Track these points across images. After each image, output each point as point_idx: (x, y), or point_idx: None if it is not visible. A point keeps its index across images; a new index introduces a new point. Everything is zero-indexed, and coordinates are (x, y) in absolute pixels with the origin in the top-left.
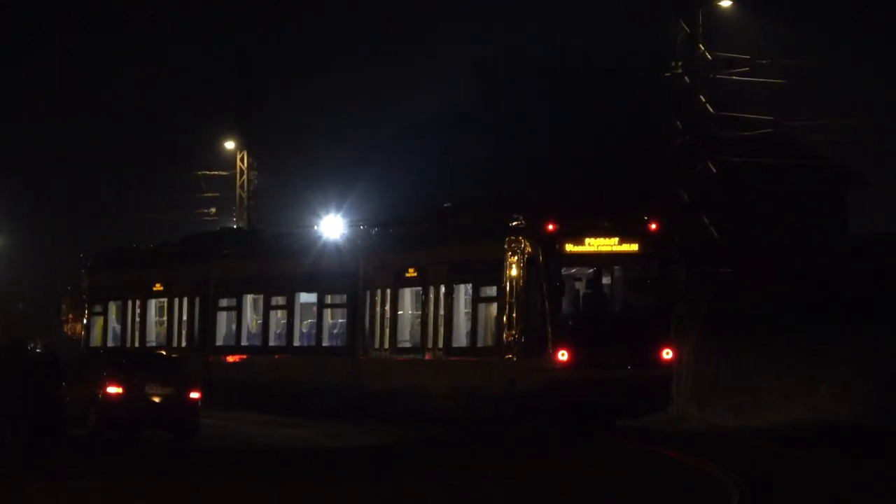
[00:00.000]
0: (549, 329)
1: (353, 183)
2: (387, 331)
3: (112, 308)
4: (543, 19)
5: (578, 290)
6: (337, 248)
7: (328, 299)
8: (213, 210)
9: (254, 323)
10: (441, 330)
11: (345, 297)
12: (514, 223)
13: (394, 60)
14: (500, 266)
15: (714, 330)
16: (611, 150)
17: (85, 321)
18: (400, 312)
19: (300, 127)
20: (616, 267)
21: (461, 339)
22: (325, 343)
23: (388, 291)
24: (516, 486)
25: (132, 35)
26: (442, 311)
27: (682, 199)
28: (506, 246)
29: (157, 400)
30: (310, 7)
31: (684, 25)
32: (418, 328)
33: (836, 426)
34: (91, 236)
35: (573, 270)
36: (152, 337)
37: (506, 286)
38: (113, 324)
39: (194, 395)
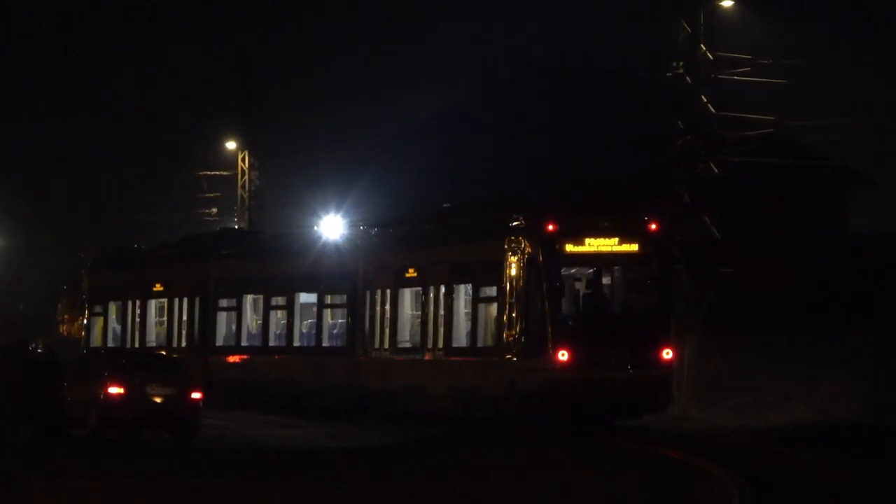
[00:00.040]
0: (549, 329)
1: (352, 183)
2: (387, 331)
3: (112, 308)
4: (544, 19)
5: (578, 291)
6: (337, 248)
7: (328, 299)
8: (215, 210)
9: (254, 323)
10: (441, 330)
11: (344, 297)
12: (514, 223)
13: (394, 60)
14: (500, 266)
15: (715, 330)
16: (611, 150)
17: (85, 321)
18: (400, 313)
19: (300, 127)
20: (616, 267)
21: (461, 339)
22: (325, 343)
23: (388, 291)
24: (516, 486)
25: (132, 35)
26: (442, 312)
27: (683, 199)
28: (506, 246)
29: (158, 400)
30: (310, 7)
31: (686, 25)
32: (418, 328)
33: (837, 426)
34: (91, 236)
35: (573, 270)
36: (152, 337)
37: (506, 286)
38: (113, 324)
39: (196, 395)
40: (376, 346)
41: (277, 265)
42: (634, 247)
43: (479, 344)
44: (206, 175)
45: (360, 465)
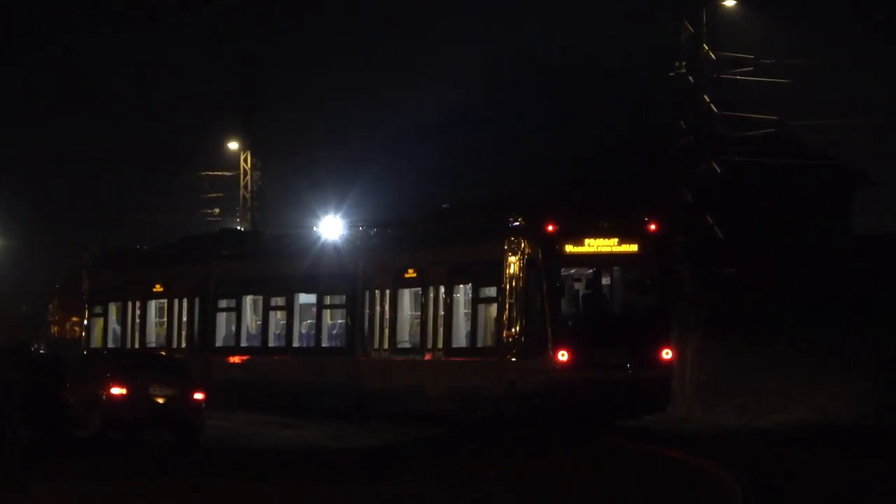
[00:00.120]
0: (549, 329)
1: (352, 183)
2: (386, 331)
3: (112, 309)
4: (544, 19)
5: (578, 291)
6: (336, 248)
7: (327, 300)
8: (217, 211)
9: (253, 324)
10: (441, 330)
11: (344, 297)
12: (514, 224)
13: (394, 60)
14: (500, 267)
15: (717, 330)
16: (611, 150)
17: (85, 322)
18: (399, 313)
19: (300, 127)
20: (616, 267)
21: (461, 339)
22: (325, 344)
23: (388, 292)
24: (516, 486)
25: (132, 35)
26: (441, 312)
27: (685, 199)
28: (505, 246)
29: (160, 401)
30: (310, 7)
31: (688, 25)
32: (418, 329)
33: (838, 426)
34: (91, 237)
35: (573, 271)
36: (152, 338)
37: (505, 287)
38: (113, 325)
39: (198, 396)
40: (376, 346)
41: (277, 266)
42: (634, 247)
43: (479, 344)
44: (208, 175)
45: (360, 465)
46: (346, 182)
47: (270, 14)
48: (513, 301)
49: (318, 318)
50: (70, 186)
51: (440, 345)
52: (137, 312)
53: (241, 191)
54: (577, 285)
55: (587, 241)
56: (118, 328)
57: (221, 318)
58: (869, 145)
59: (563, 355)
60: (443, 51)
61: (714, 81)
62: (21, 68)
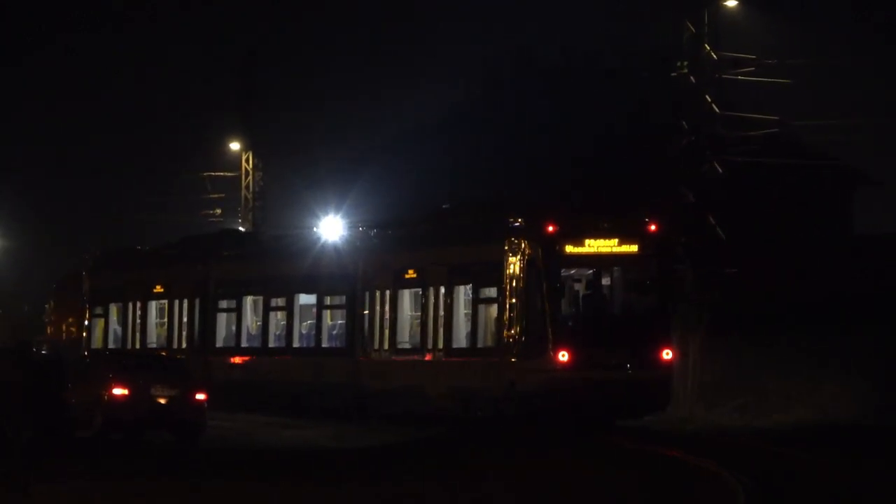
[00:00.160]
0: (550, 330)
1: (352, 183)
2: (386, 332)
3: (113, 309)
4: (544, 19)
5: (578, 291)
6: (336, 249)
7: (327, 300)
8: (219, 211)
9: (253, 324)
10: (441, 331)
11: (344, 298)
12: (514, 224)
13: (394, 60)
14: (500, 267)
15: (718, 330)
16: (611, 150)
17: (86, 322)
18: (399, 313)
19: (300, 127)
20: (616, 268)
21: (461, 339)
22: (325, 344)
23: (388, 292)
24: (516, 486)
25: (132, 35)
26: (442, 312)
27: (687, 200)
28: (506, 247)
29: (162, 401)
30: (310, 7)
31: (690, 25)
32: (418, 329)
33: (839, 426)
34: (92, 237)
35: (573, 271)
36: (153, 338)
37: (506, 287)
38: (114, 325)
39: (200, 396)
40: (376, 346)
41: (277, 266)
42: (634, 247)
43: (479, 344)
44: (210, 176)
45: (360, 466)
46: (346, 182)
47: (270, 14)
48: (513, 301)
49: (319, 318)
50: (70, 186)
51: (440, 345)
52: (138, 313)
53: (243, 191)
54: (577, 286)
55: (587, 241)
56: (119, 328)
57: (222, 318)
58: (869, 145)
59: (563, 355)
60: (443, 51)
61: (715, 81)
62: (21, 68)
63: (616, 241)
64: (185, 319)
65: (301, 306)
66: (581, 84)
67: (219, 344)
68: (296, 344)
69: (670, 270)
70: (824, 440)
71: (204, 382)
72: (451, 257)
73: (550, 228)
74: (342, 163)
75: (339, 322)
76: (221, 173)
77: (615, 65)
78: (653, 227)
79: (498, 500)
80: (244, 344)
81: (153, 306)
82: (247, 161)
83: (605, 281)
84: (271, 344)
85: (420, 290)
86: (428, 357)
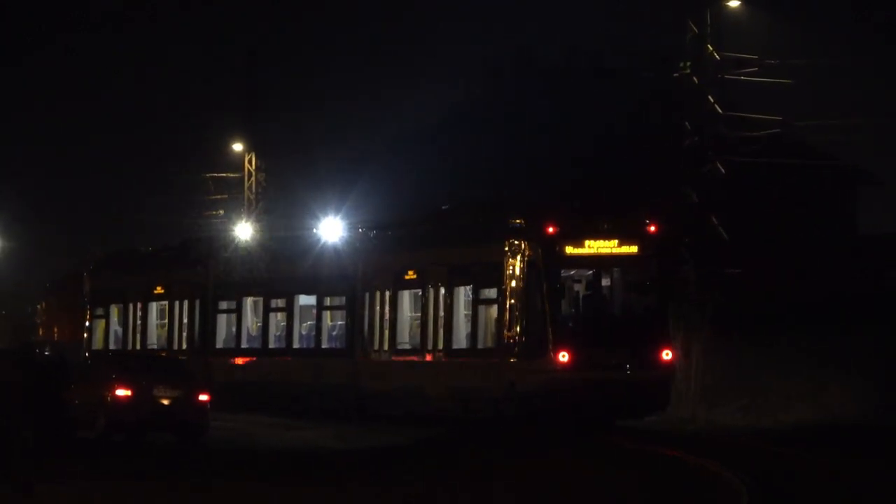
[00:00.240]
0: (550, 330)
1: (352, 184)
2: (386, 332)
3: (113, 310)
4: (544, 19)
5: (578, 292)
6: (336, 250)
7: (327, 301)
8: (222, 212)
9: (253, 325)
10: (441, 331)
11: (344, 299)
12: (514, 225)
13: (394, 60)
14: (500, 268)
15: (720, 330)
16: (611, 150)
17: (87, 324)
18: (399, 314)
19: (300, 128)
20: (616, 269)
21: (461, 340)
22: (325, 345)
23: (388, 293)
24: (516, 486)
25: (132, 35)
26: (441, 313)
27: (690, 200)
28: (506, 248)
29: (165, 402)
30: (310, 7)
31: (693, 26)
32: (418, 330)
33: (843, 426)
34: (93, 237)
35: (573, 272)
36: (153, 339)
37: (506, 288)
38: (114, 326)
39: (203, 397)
40: (375, 347)
41: (277, 267)
42: (634, 248)
43: (479, 345)
44: (212, 177)
45: (360, 466)
46: (345, 183)
47: (270, 14)
48: (513, 302)
49: (318, 319)
50: (70, 187)
51: (440, 346)
52: (139, 314)
53: (246, 192)
54: (577, 286)
55: (587, 242)
56: (119, 330)
57: (222, 319)
58: (872, 145)
59: (563, 356)
60: (443, 51)
61: (718, 82)
62: (21, 68)
63: (616, 241)
64: (185, 321)
65: (301, 307)
66: (581, 84)
67: (219, 345)
68: (296, 345)
69: (670, 271)
70: (825, 440)
71: (207, 383)
72: (451, 258)
73: (550, 229)
74: (342, 163)
75: (339, 323)
76: (224, 174)
77: (616, 65)
78: (653, 228)
79: (498, 500)
80: (244, 345)
81: (154, 307)
82: (249, 162)
83: (605, 281)
84: (271, 345)
85: (420, 291)
86: (428, 358)
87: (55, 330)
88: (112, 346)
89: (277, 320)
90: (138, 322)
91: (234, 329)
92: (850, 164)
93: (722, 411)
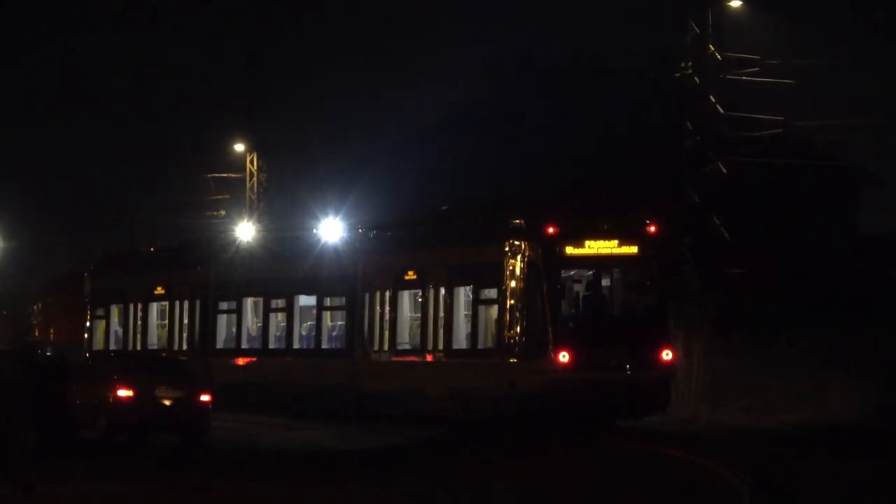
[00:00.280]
0: (550, 331)
1: (352, 184)
2: (386, 332)
3: (114, 311)
4: (544, 19)
5: (578, 292)
6: (336, 250)
7: (327, 302)
8: (223, 212)
9: (254, 325)
10: (441, 332)
11: (344, 299)
12: (515, 225)
13: (394, 60)
14: (500, 268)
15: (721, 330)
16: (611, 150)
17: (88, 324)
18: (399, 314)
19: (300, 128)
20: (616, 269)
21: (461, 340)
22: (325, 345)
23: (388, 294)
24: (516, 486)
25: (132, 35)
26: (441, 313)
27: (692, 200)
28: (506, 248)
29: (167, 403)
30: (310, 7)
31: (694, 26)
32: (418, 330)
33: (844, 426)
34: (94, 237)
35: (573, 272)
36: (154, 340)
37: (506, 288)
38: (115, 327)
39: (204, 397)
40: (375, 347)
41: (277, 268)
42: (634, 249)
43: (479, 345)
44: (214, 177)
45: (360, 466)
46: (345, 183)
47: (270, 14)
48: (513, 302)
49: (318, 319)
50: (71, 187)
51: (440, 346)
52: (139, 314)
53: (248, 192)
54: (577, 287)
55: (587, 242)
56: (120, 330)
57: (222, 319)
58: (875, 145)
59: (563, 356)
60: (443, 51)
61: (720, 82)
62: (21, 68)
63: (616, 242)
64: (185, 321)
65: (301, 308)
66: (581, 84)
67: (219, 345)
68: (296, 345)
69: (670, 271)
70: (826, 440)
71: (208, 384)
72: (451, 258)
73: (551, 230)
74: (342, 163)
75: (339, 323)
76: (226, 174)
77: (616, 65)
78: (653, 229)
79: (498, 500)
80: (244, 345)
81: (154, 308)
82: (251, 162)
83: (605, 282)
84: (271, 345)
85: (420, 291)
86: (428, 358)
87: (52, 331)
88: (112, 347)
89: (277, 321)
90: (139, 322)
91: (234, 329)
92: (851, 165)
93: (723, 411)
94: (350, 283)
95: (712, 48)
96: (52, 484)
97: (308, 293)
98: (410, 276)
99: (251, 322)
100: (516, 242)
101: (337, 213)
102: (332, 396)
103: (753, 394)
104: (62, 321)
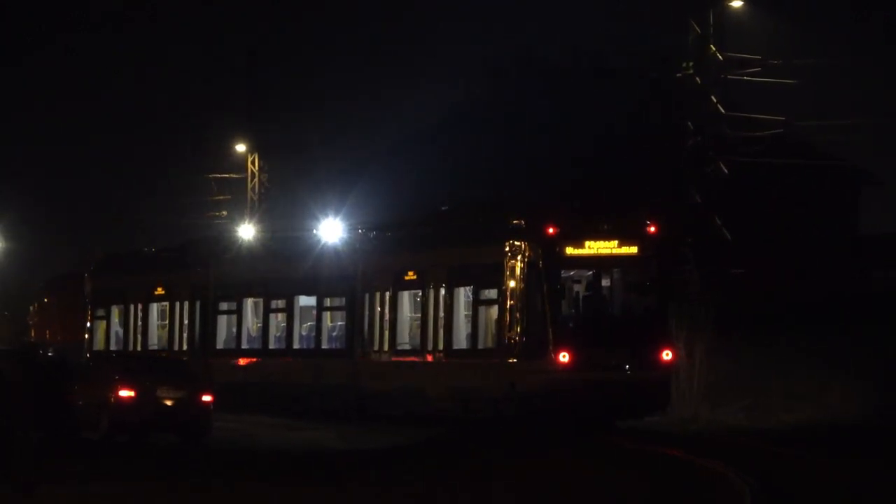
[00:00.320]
0: (550, 331)
1: (352, 185)
2: (385, 333)
3: (114, 311)
4: (544, 19)
5: (578, 293)
6: (336, 251)
7: (327, 302)
8: (225, 213)
9: (254, 326)
10: (441, 332)
11: (344, 299)
12: (515, 226)
13: (394, 60)
14: (500, 269)
15: (721, 330)
16: (611, 150)
17: (88, 324)
18: (399, 315)
19: (300, 129)
20: (616, 269)
21: (461, 341)
22: (325, 345)
23: (388, 294)
24: (516, 486)
25: (132, 35)
26: (442, 314)
27: (693, 200)
28: (506, 248)
29: (169, 403)
30: (310, 7)
31: (695, 26)
32: (417, 330)
33: (844, 427)
34: (95, 237)
35: (573, 272)
36: (154, 340)
37: (506, 288)
38: (115, 327)
39: (206, 398)
40: (375, 347)
41: (277, 269)
42: (634, 249)
43: (479, 346)
44: (215, 178)
45: (361, 466)
46: (345, 183)
47: (270, 14)
48: (513, 303)
49: (318, 320)
50: (71, 187)
51: (440, 346)
52: (139, 315)
53: (249, 193)
54: (577, 287)
55: (587, 243)
56: (120, 330)
57: (222, 320)
58: (875, 145)
59: (563, 356)
60: (443, 51)
61: (721, 82)
62: (21, 68)
63: (616, 242)
64: (185, 321)
65: (301, 308)
66: (581, 84)
67: (219, 346)
68: (296, 345)
69: (670, 271)
70: (826, 440)
71: (210, 384)
72: (451, 259)
73: (551, 230)
74: (342, 164)
75: (339, 323)
76: (227, 175)
77: (616, 65)
78: (652, 229)
79: (498, 500)
80: (245, 346)
81: (154, 308)
82: (252, 163)
83: (605, 282)
84: (271, 345)
85: (420, 292)
86: (428, 358)
87: (48, 332)
88: (113, 347)
89: (278, 321)
90: (139, 323)
91: (234, 330)
92: (852, 165)
93: (724, 411)
94: (350, 283)
95: (713, 48)
96: (51, 484)
97: (308, 293)
98: (410, 276)
99: (251, 322)
100: (516, 243)
101: (337, 213)
102: (333, 396)
103: (754, 394)
104: (61, 321)
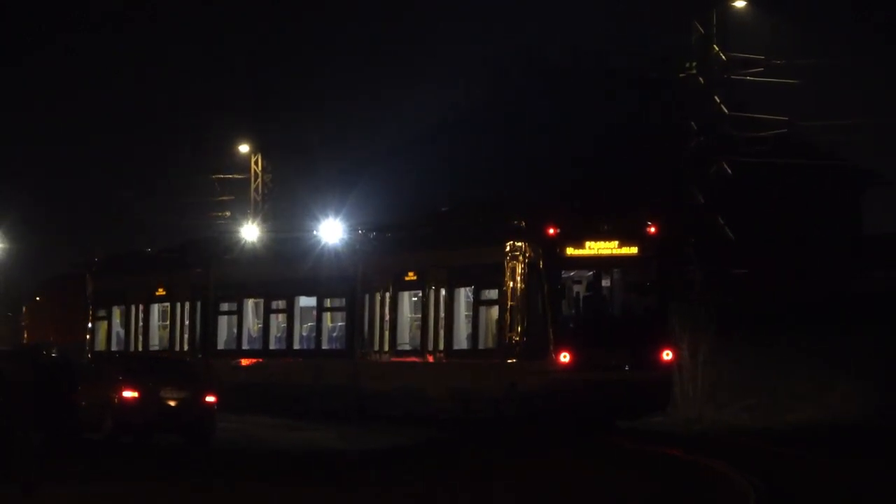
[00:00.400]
0: (550, 331)
1: (352, 185)
2: (386, 333)
3: (115, 312)
4: (545, 19)
5: (578, 293)
6: (336, 251)
7: (327, 303)
8: (228, 214)
9: (254, 326)
10: (441, 332)
11: (344, 300)
12: (515, 226)
13: (394, 60)
14: (501, 269)
15: (722, 330)
16: (611, 150)
17: (89, 325)
18: (399, 315)
19: (301, 129)
20: (616, 269)
21: (461, 341)
22: (325, 346)
23: (388, 295)
24: (517, 486)
25: (132, 35)
26: (442, 314)
27: (695, 200)
28: (506, 249)
29: (172, 404)
30: (310, 7)
31: (699, 26)
32: (418, 331)
33: (845, 427)
34: (95, 237)
35: (573, 273)
36: (155, 341)
37: (506, 289)
38: (116, 328)
39: (210, 398)
40: (376, 348)
41: (277, 269)
42: (634, 249)
43: (480, 346)
44: (218, 178)
45: (361, 466)
46: (345, 184)
47: (270, 14)
48: (513, 303)
49: (319, 320)
50: (70, 187)
51: (440, 347)
52: (140, 316)
53: (252, 193)
54: (577, 287)
55: (588, 243)
56: (121, 331)
57: (223, 320)
58: (878, 145)
59: (563, 356)
60: (443, 51)
61: (724, 82)
62: (21, 68)
63: (616, 242)
64: (186, 322)
65: (301, 309)
66: (581, 84)
67: (220, 346)
68: (296, 346)
69: (670, 271)
70: (827, 440)
71: (213, 384)
72: (452, 259)
73: (551, 230)
74: (342, 164)
75: (340, 324)
76: (231, 175)
77: (617, 65)
78: (653, 229)
79: (498, 500)
80: (245, 346)
81: (155, 309)
82: (256, 163)
83: (606, 282)
84: (272, 346)
85: (420, 292)
86: (428, 358)
87: (42, 333)
88: (114, 348)
89: (278, 321)
90: (140, 323)
91: (234, 330)
92: (856, 165)
93: (727, 411)
94: (350, 283)
95: (717, 48)
96: (52, 484)
97: (308, 294)
98: (410, 276)
99: (252, 323)
100: (517, 243)
101: (337, 213)
102: (333, 397)
103: (755, 394)
104: (55, 322)
